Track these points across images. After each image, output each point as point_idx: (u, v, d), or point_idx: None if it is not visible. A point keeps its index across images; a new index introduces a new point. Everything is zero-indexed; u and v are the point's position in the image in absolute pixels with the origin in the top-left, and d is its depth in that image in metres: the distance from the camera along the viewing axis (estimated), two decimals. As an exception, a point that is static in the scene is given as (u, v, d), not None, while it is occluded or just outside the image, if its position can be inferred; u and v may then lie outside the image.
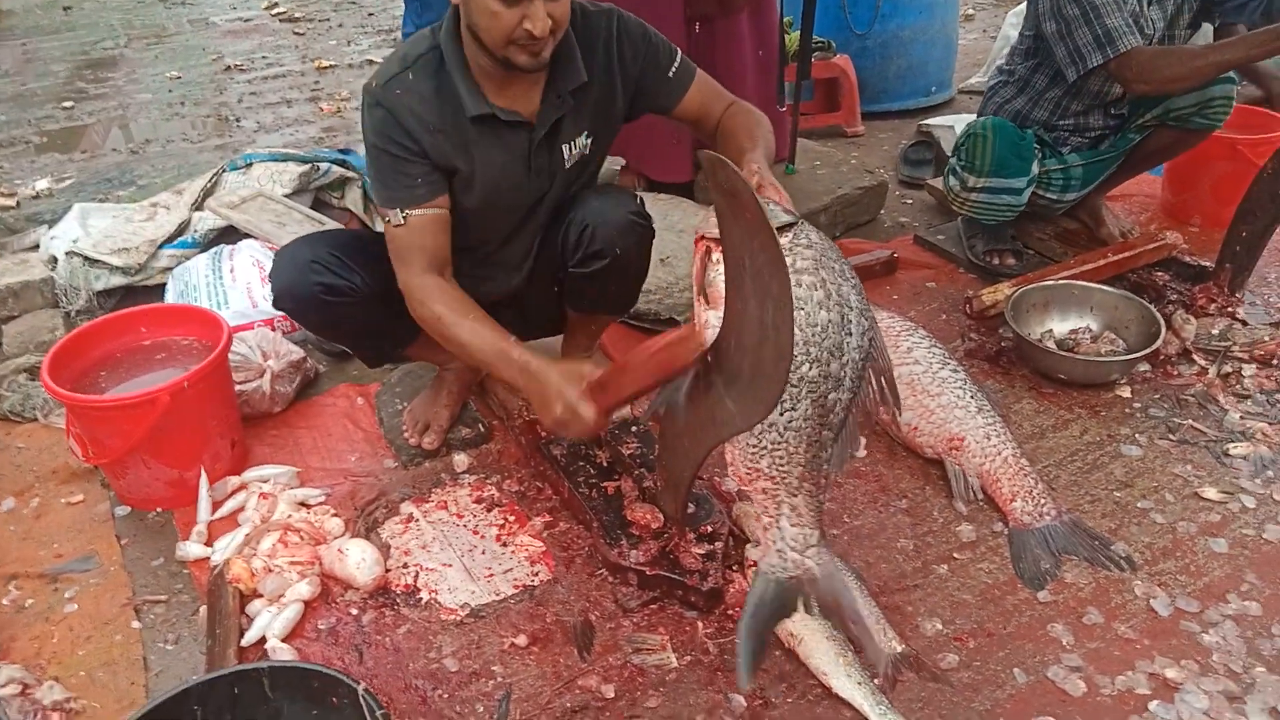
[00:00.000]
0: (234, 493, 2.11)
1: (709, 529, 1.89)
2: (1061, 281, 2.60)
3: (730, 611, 1.81)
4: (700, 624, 1.80)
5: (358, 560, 1.87)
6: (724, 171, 1.28)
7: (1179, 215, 3.25)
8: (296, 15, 7.01)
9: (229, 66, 5.81)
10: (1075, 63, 2.45)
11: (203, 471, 2.09)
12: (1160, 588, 1.86)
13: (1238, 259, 2.59)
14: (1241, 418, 2.28)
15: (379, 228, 3.17)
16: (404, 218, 1.82)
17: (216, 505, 2.09)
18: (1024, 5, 4.46)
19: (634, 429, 2.15)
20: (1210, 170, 3.07)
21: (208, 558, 1.95)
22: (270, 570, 1.87)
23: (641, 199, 2.05)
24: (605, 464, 2.08)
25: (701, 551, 1.85)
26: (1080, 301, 2.57)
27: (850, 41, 4.17)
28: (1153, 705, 1.64)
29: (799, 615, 1.72)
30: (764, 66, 3.25)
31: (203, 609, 1.84)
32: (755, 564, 1.84)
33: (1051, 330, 2.57)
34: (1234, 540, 1.96)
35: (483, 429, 2.30)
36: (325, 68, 5.89)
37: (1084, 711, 1.64)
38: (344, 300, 1.94)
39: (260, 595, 1.84)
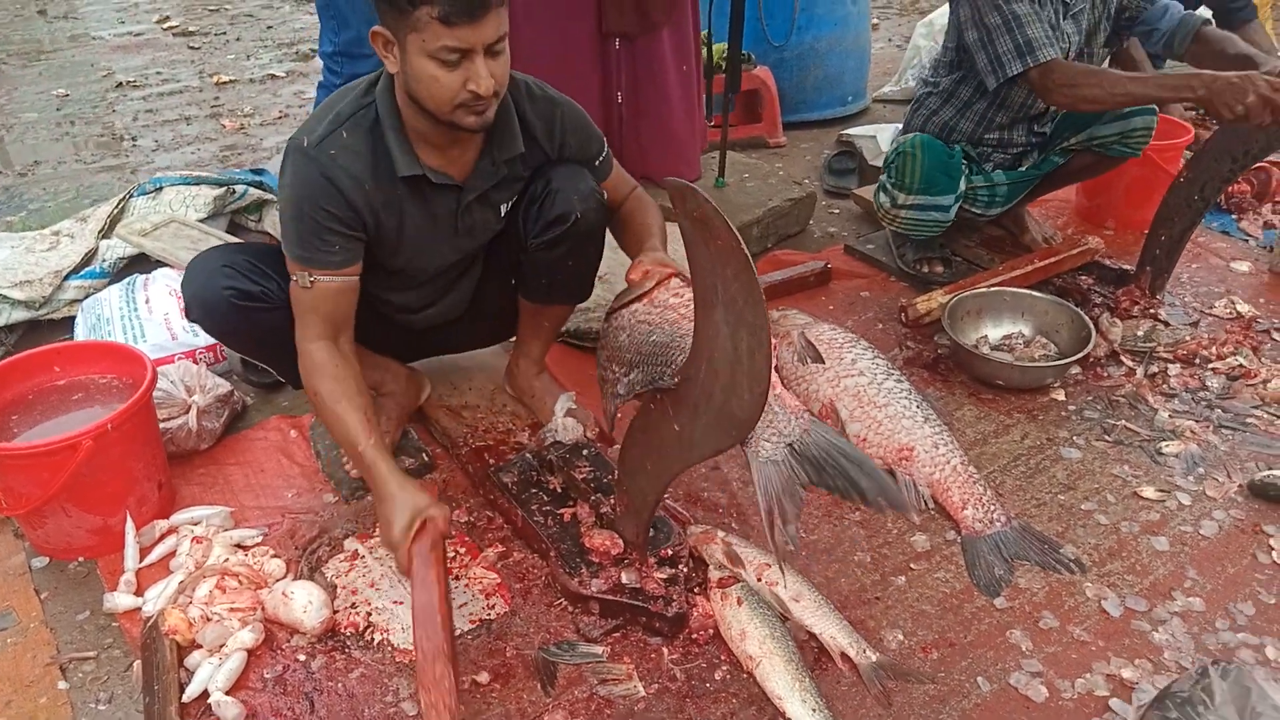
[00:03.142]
0: (163, 537, 2.00)
1: (669, 552, 1.86)
2: (994, 289, 2.65)
3: (695, 636, 1.79)
4: (665, 650, 1.77)
5: (304, 603, 1.78)
6: (693, 199, 1.26)
7: (1093, 219, 3.36)
8: (190, 29, 6.75)
9: (120, 83, 5.55)
10: (995, 70, 2.50)
11: (128, 517, 1.96)
12: (1110, 588, 1.91)
13: (1157, 262, 2.69)
14: (1170, 416, 2.36)
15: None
16: (311, 282, 1.77)
17: (145, 552, 1.97)
18: (932, 15, 4.61)
19: (584, 453, 2.10)
20: (1122, 176, 3.17)
21: (139, 608, 1.84)
22: (209, 619, 1.77)
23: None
24: (559, 490, 2.03)
25: (664, 576, 1.82)
26: (1012, 307, 2.63)
27: (768, 53, 4.20)
28: (1113, 704, 1.67)
29: (761, 637, 1.72)
30: (686, 81, 3.25)
31: (137, 664, 1.72)
32: (718, 585, 1.82)
33: (986, 336, 2.62)
34: (1174, 538, 2.02)
35: (426, 458, 2.22)
36: (225, 83, 5.69)
37: (1047, 716, 1.66)
38: (258, 306, 1.86)
39: (199, 646, 1.74)
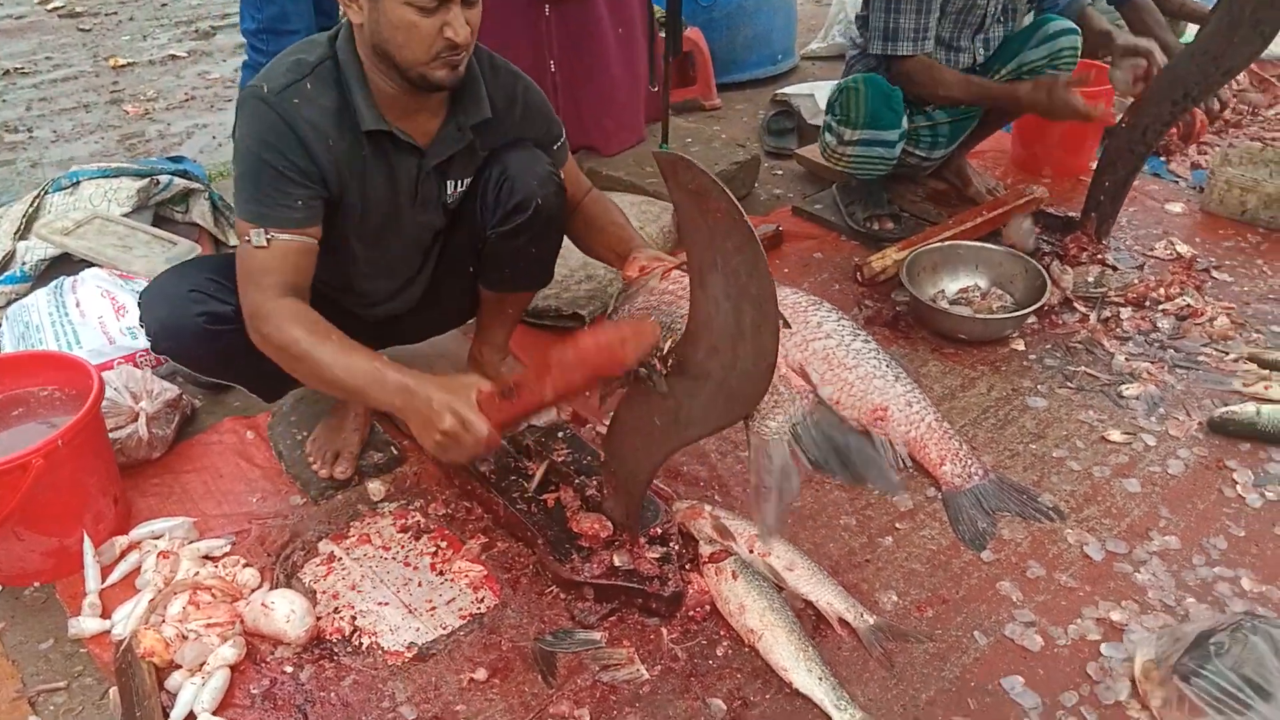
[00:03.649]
0: (124, 554, 1.90)
1: (658, 531, 1.84)
2: (949, 243, 2.67)
3: (692, 613, 1.77)
4: (664, 630, 1.74)
5: (286, 613, 1.70)
6: (688, 171, 1.22)
7: (1031, 168, 3.41)
8: (78, 10, 6.37)
9: (7, 71, 5.22)
10: (874, 40, 2.65)
11: (85, 536, 1.86)
12: (1089, 533, 1.95)
13: (1102, 208, 2.74)
14: (1127, 359, 2.41)
15: (233, 242, 2.96)
16: (268, 240, 1.65)
17: (106, 571, 1.86)
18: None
19: (560, 435, 2.06)
20: (1057, 124, 3.22)
21: (107, 631, 1.74)
22: (186, 637, 1.68)
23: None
24: (538, 475, 1.98)
25: (656, 555, 1.79)
26: (967, 261, 2.65)
27: (697, 14, 4.14)
28: (1104, 649, 1.70)
29: (760, 610, 1.71)
30: (626, 44, 3.18)
31: (113, 691, 1.63)
32: (710, 560, 1.81)
33: (943, 290, 2.64)
34: (1144, 479, 2.07)
35: (395, 451, 2.15)
36: (122, 66, 5.40)
37: (1045, 664, 1.69)
38: (232, 328, 1.74)
39: (179, 666, 1.65)
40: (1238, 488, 2.04)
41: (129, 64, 5.43)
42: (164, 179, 2.86)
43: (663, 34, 3.14)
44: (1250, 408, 2.16)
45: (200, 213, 2.94)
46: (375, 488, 2.06)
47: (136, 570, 1.86)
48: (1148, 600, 1.79)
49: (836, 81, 2.80)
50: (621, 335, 1.47)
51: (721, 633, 1.74)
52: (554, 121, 1.96)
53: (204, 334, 1.74)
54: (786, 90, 3.79)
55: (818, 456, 1.48)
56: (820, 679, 1.62)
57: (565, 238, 2.02)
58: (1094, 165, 2.85)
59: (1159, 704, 1.54)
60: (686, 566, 1.82)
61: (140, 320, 1.79)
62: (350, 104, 1.69)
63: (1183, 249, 2.84)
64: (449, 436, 1.53)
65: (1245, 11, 2.23)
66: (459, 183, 1.89)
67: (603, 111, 3.20)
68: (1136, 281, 2.64)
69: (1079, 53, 2.77)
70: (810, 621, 1.75)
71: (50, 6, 6.38)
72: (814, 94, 3.65)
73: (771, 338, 1.24)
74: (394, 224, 1.86)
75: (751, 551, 1.83)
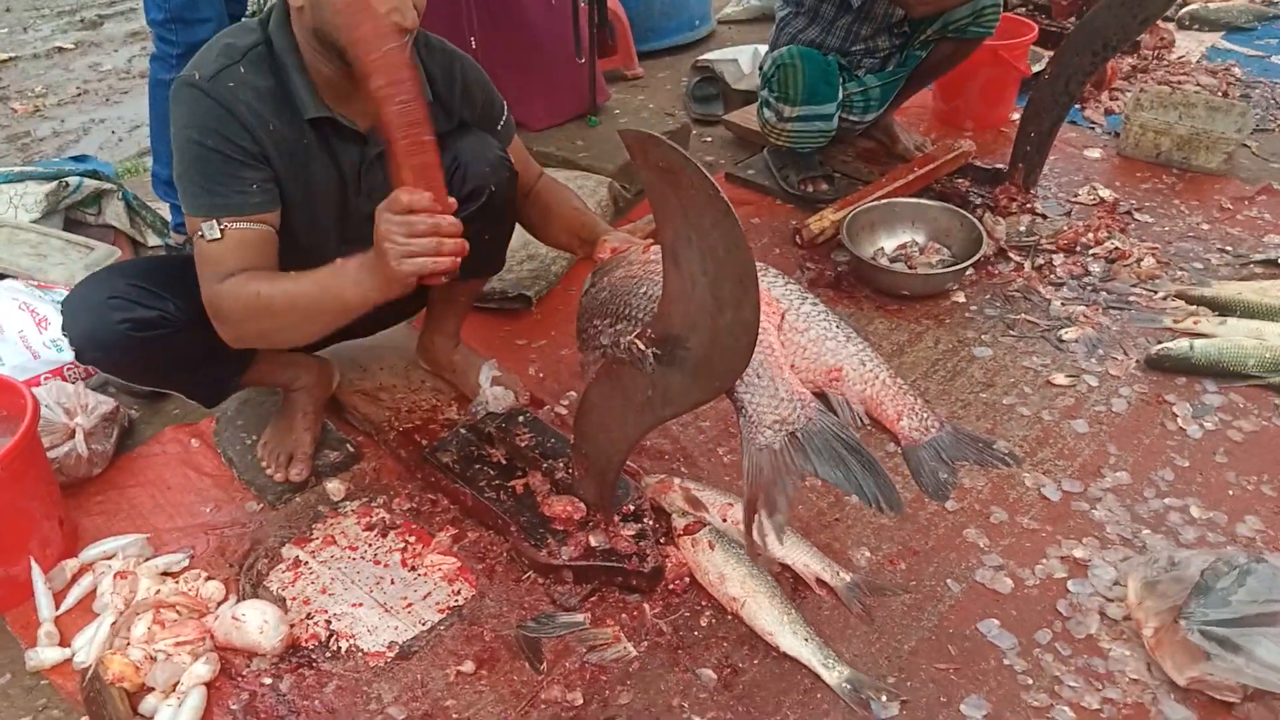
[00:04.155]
0: (75, 578, 1.81)
1: (631, 508, 1.83)
2: (884, 201, 2.70)
3: (672, 586, 1.77)
4: (646, 606, 1.74)
5: (259, 624, 1.65)
6: (657, 149, 1.20)
7: (953, 122, 3.47)
8: (-54, 2, 6.02)
9: None
10: None
11: (33, 562, 1.77)
12: (1045, 475, 2.01)
13: (1029, 158, 2.80)
14: (1063, 304, 2.48)
15: (153, 242, 2.83)
16: (221, 230, 1.58)
17: (59, 597, 1.78)
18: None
19: (520, 419, 2.03)
20: (976, 78, 3.29)
21: (69, 660, 1.67)
22: (155, 658, 1.62)
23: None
24: (503, 462, 1.96)
25: (632, 532, 1.79)
26: (904, 218, 2.69)
27: (613, -17, 4.09)
28: (1071, 586, 1.77)
29: (740, 577, 1.72)
30: (550, 17, 3.12)
31: (82, 721, 1.57)
32: (685, 531, 1.81)
33: (882, 248, 2.68)
34: (1091, 419, 2.15)
35: (350, 448, 2.09)
36: (4, 61, 5.13)
37: (1017, 605, 1.74)
38: (160, 333, 1.67)
39: (152, 689, 1.60)
40: (1178, 420, 2.13)
41: (11, 59, 5.17)
42: (73, 181, 2.72)
43: (585, 3, 3.09)
44: (1183, 343, 2.25)
45: (114, 213, 2.79)
46: (335, 487, 2.01)
47: (92, 593, 1.78)
48: (1106, 535, 1.86)
49: (756, 46, 2.81)
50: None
51: (703, 603, 1.75)
52: (495, 98, 1.91)
53: (130, 341, 1.66)
54: (709, 56, 3.78)
55: (818, 467, 1.40)
56: (806, 639, 1.64)
57: (521, 226, 1.99)
58: (1015, 117, 2.91)
59: (1150, 634, 1.60)
60: (662, 541, 1.82)
61: (63, 331, 1.70)
62: (288, 90, 1.63)
63: (1105, 193, 2.93)
64: (417, 235, 1.44)
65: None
66: None
67: (529, 86, 3.14)
68: (1066, 228, 2.72)
69: (999, 11, 2.81)
70: (789, 584, 1.77)
71: (-83, 1, 6.01)
72: (736, 59, 3.64)
73: (753, 311, 1.24)
74: (339, 213, 1.80)
75: (725, 520, 1.85)
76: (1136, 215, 2.86)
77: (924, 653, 1.66)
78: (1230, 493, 1.95)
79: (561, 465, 1.90)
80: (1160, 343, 2.29)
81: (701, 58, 3.81)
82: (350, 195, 1.78)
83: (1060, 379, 2.25)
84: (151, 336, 1.67)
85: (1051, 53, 2.65)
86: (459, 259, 1.48)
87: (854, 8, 2.64)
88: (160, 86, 2.53)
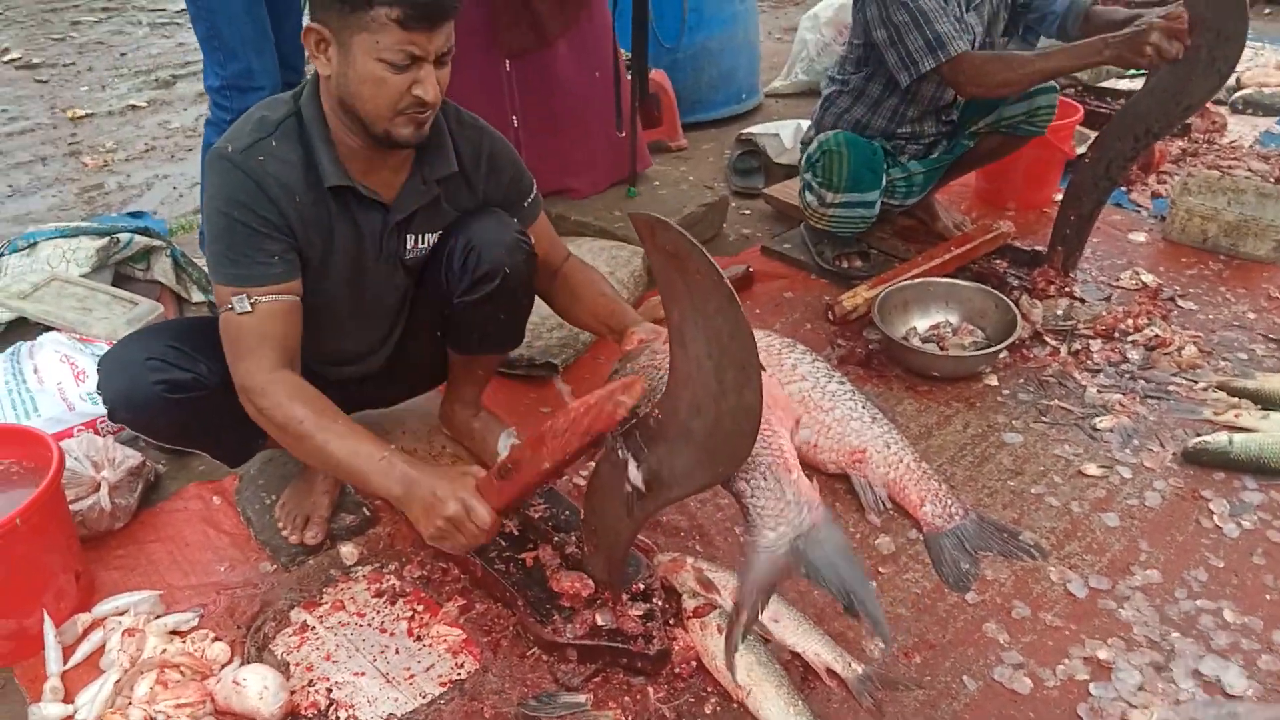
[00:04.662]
0: (86, 633, 1.83)
1: (641, 586, 1.80)
2: (920, 280, 2.68)
3: (678, 670, 1.73)
4: (651, 689, 1.70)
5: (259, 690, 1.64)
6: (665, 233, 1.20)
7: (995, 202, 3.44)
8: (35, 61, 6.32)
9: (-38, 126, 5.17)
10: (908, 67, 2.52)
11: (45, 615, 1.79)
12: (1071, 570, 1.94)
13: (1068, 241, 2.77)
14: (1099, 391, 2.42)
15: (196, 298, 2.90)
16: (251, 305, 1.63)
17: (68, 651, 1.79)
18: (816, 8, 4.66)
19: (537, 491, 2.02)
20: (1020, 159, 3.25)
21: (71, 717, 1.67)
22: (154, 719, 1.62)
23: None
24: (516, 533, 1.94)
25: (639, 612, 1.75)
26: (938, 297, 2.66)
27: (660, 55, 4.17)
28: (1093, 689, 1.69)
29: (747, 665, 1.68)
30: (592, 90, 3.18)
31: (79, 781, 1.57)
32: (694, 614, 1.77)
33: (915, 328, 2.65)
34: (1122, 512, 2.08)
35: (367, 513, 2.10)
36: (80, 117, 5.36)
37: (1035, 707, 1.67)
38: (193, 396, 1.71)
39: (148, 751, 1.59)
40: (1214, 518, 2.05)
41: (87, 115, 5.39)
42: (124, 237, 2.81)
43: (629, 77, 3.15)
44: (1223, 437, 2.18)
45: (162, 270, 2.88)
46: (348, 551, 2.01)
47: (100, 649, 1.79)
48: (1133, 636, 1.79)
49: (799, 121, 2.83)
50: (609, 391, 1.46)
51: (709, 689, 1.70)
52: (523, 175, 1.94)
53: (163, 403, 1.70)
54: (752, 130, 3.82)
55: (815, 574, 1.41)
56: (811, 736, 1.59)
57: (547, 305, 2.01)
58: (1057, 198, 2.89)
59: None
60: (671, 622, 1.79)
61: (98, 389, 1.75)
62: (314, 160, 1.67)
63: (1148, 278, 2.87)
64: (452, 523, 1.56)
65: (1202, 51, 2.28)
66: (421, 238, 1.86)
67: (570, 157, 3.19)
68: (1105, 313, 2.66)
69: (1055, 109, 2.80)
70: (798, 672, 1.72)
71: (7, 58, 6.33)
72: (779, 133, 3.68)
73: (755, 396, 1.22)
74: (360, 282, 1.83)
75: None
76: (1180, 302, 2.79)
77: (936, 754, 1.60)
78: (1268, 597, 1.86)
79: (573, 539, 1.89)
80: (1199, 435, 2.22)
81: (745, 131, 3.86)
82: (369, 260, 1.81)
83: (1092, 469, 2.18)
84: (185, 399, 1.71)
85: (1096, 134, 2.63)
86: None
87: (901, 87, 2.65)
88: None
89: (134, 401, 1.71)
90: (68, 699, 1.71)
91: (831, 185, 2.72)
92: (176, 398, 1.70)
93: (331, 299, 1.82)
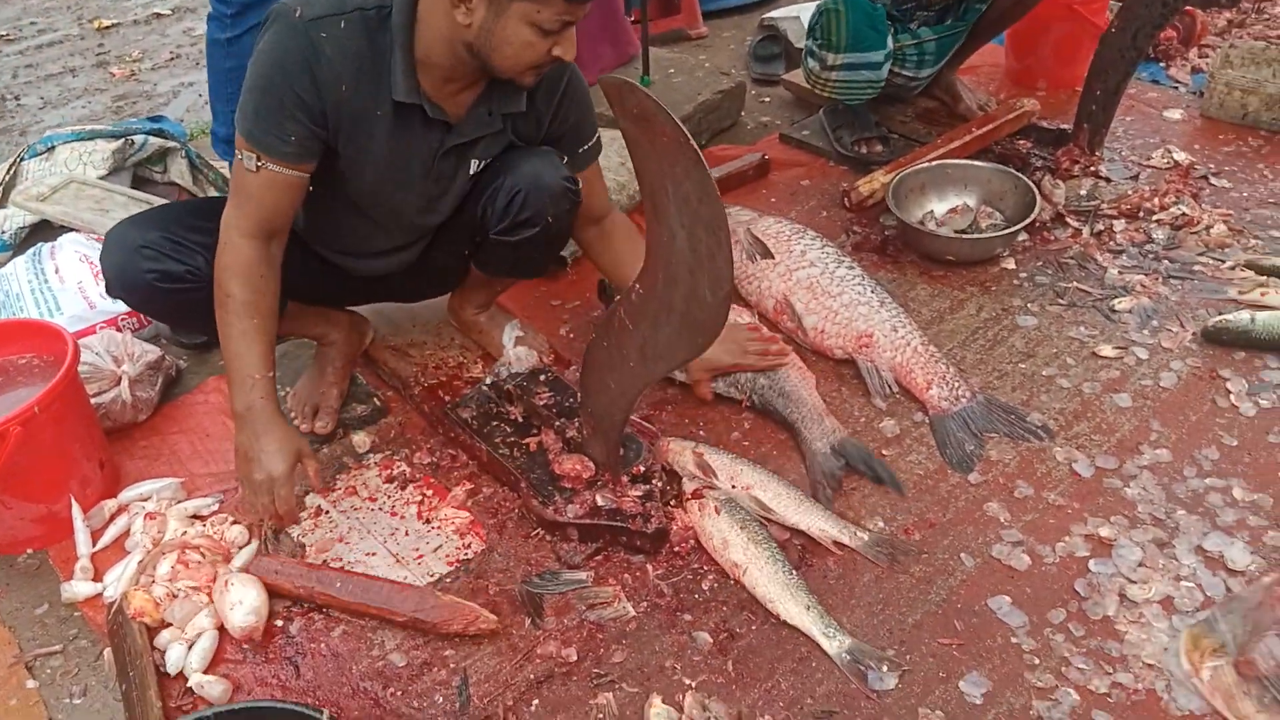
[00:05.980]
0: (113, 518, 1.91)
1: (641, 469, 1.83)
2: (935, 163, 2.60)
3: (677, 549, 1.76)
4: (650, 567, 1.74)
5: (234, 600, 1.65)
6: (632, 96, 1.18)
7: (1025, 81, 3.30)
8: (61, -29, 6.28)
9: (-7, 38, 5.18)
10: None
11: (73, 501, 1.87)
12: (1078, 450, 1.92)
13: (1094, 118, 2.66)
14: (1120, 272, 2.36)
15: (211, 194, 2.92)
16: (257, 167, 1.64)
17: (96, 535, 1.88)
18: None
19: (542, 378, 2.04)
20: (1050, 34, 3.12)
21: (100, 594, 1.76)
22: (175, 595, 1.70)
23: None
24: (520, 420, 1.97)
25: (638, 493, 1.78)
26: (955, 180, 2.58)
27: (680, -60, 4.02)
28: (1093, 565, 1.69)
29: (743, 543, 1.70)
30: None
31: (107, 652, 1.65)
32: (693, 496, 1.80)
33: (932, 212, 2.58)
34: (1135, 393, 2.04)
35: (378, 403, 2.14)
36: (106, 28, 5.33)
37: (1032, 583, 1.68)
38: (185, 286, 1.74)
39: (169, 625, 1.67)
40: (1231, 397, 2.00)
41: (113, 25, 5.36)
42: (139, 139, 2.82)
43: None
44: (1245, 315, 2.11)
45: (178, 171, 2.90)
46: (360, 440, 2.06)
47: (126, 533, 1.87)
48: (1137, 515, 1.78)
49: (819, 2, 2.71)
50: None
51: (707, 568, 1.74)
52: (589, 120, 1.90)
53: (153, 290, 1.74)
54: (773, 14, 3.69)
55: (850, 459, 1.91)
56: (808, 607, 1.62)
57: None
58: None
59: (1209, 675, 1.48)
60: (671, 503, 1.82)
61: (99, 260, 1.78)
62: (382, 63, 1.63)
63: (1180, 156, 2.76)
64: (254, 487, 1.72)
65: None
66: (483, 163, 1.85)
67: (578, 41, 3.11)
68: (1130, 192, 2.57)
69: None
70: (796, 553, 1.75)
71: (32, -30, 6.30)
72: (800, 16, 3.54)
73: (726, 264, 1.21)
74: (400, 191, 1.81)
75: (734, 485, 1.83)
76: (1213, 180, 2.68)
77: (928, 627, 1.62)
78: (1280, 475, 1.83)
79: (575, 424, 1.91)
80: (1221, 314, 2.16)
81: (766, 16, 3.72)
82: (417, 176, 1.79)
83: (1107, 350, 2.14)
84: (176, 288, 1.74)
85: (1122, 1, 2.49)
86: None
87: None
88: (215, 45, 2.59)
89: (127, 285, 1.75)
90: (97, 578, 1.80)
91: (831, 45, 2.62)
92: (167, 287, 1.73)
93: (362, 201, 1.82)
